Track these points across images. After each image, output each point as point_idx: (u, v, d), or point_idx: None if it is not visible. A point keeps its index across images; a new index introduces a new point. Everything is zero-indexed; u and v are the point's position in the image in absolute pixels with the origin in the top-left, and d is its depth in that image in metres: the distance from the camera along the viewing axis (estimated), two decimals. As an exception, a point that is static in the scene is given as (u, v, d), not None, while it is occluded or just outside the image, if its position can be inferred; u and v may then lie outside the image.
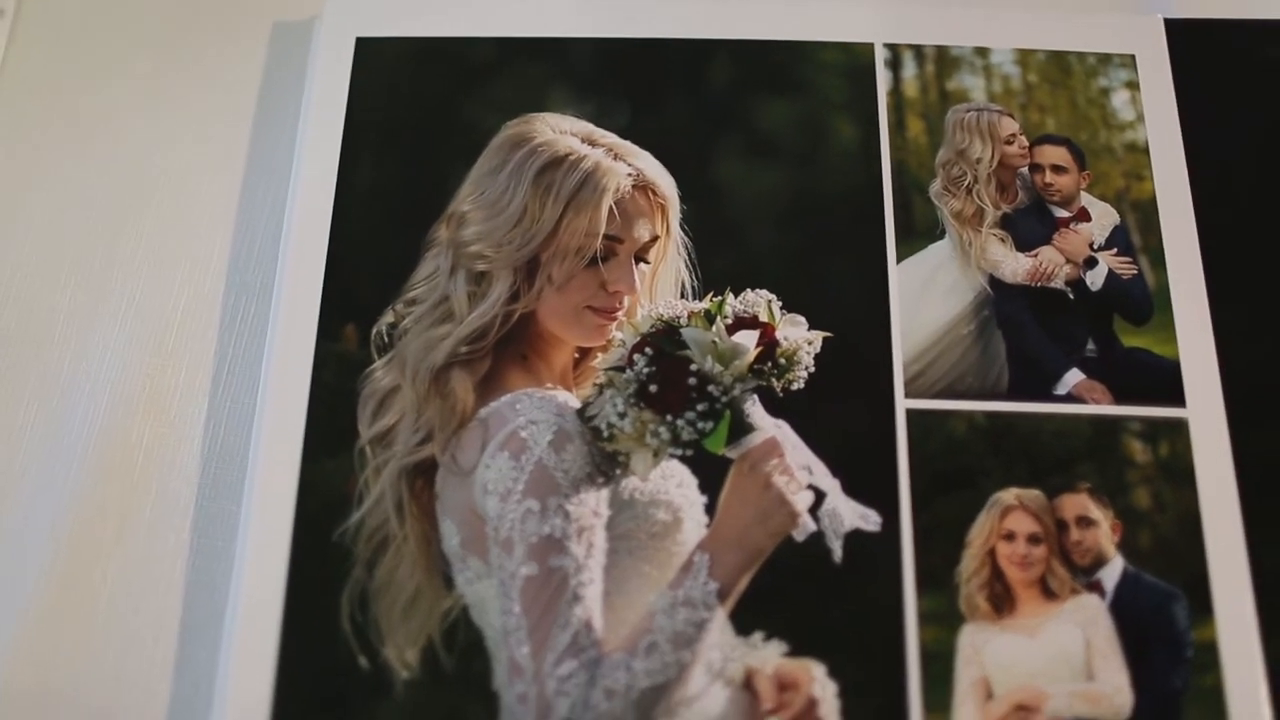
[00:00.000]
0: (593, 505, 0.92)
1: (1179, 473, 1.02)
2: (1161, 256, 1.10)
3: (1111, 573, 0.99)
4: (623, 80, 1.16)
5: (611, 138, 0.99)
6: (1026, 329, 1.08)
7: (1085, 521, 1.00)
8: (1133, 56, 1.18)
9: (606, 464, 0.93)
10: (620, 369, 0.91)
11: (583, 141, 0.97)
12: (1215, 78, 1.17)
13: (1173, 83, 1.17)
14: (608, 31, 1.18)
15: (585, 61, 1.18)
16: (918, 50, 1.19)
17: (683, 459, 0.94)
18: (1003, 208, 1.12)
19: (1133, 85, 1.17)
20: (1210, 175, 1.13)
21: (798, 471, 0.94)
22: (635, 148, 0.99)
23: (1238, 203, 1.13)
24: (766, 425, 0.92)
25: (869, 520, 0.96)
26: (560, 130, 0.98)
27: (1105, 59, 1.19)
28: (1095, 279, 1.10)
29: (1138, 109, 1.16)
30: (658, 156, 1.00)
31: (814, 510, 0.94)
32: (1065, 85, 1.18)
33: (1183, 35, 1.19)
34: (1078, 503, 1.01)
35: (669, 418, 0.89)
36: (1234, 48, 1.19)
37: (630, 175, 0.96)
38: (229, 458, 1.04)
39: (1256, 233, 1.12)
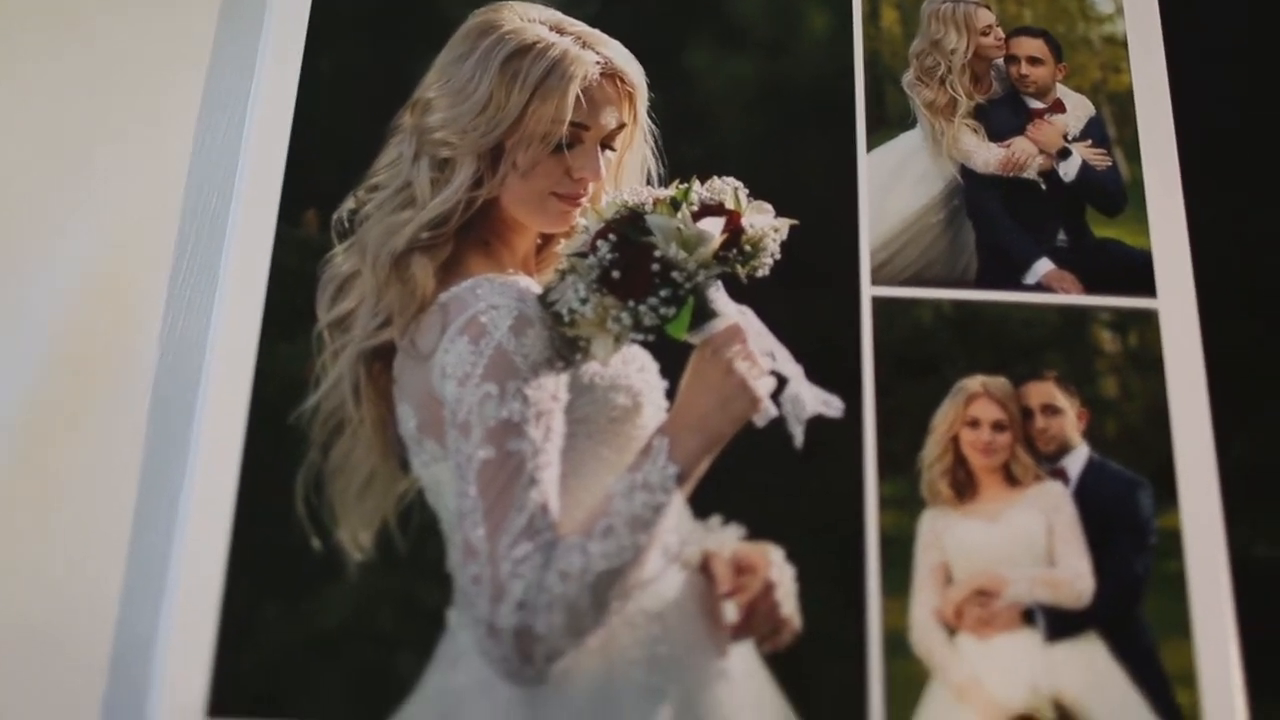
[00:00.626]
0: (552, 390, 0.91)
1: (1147, 362, 1.00)
2: (1136, 149, 1.08)
3: (1076, 460, 0.98)
4: None
5: (580, 26, 0.98)
6: (997, 218, 1.06)
7: (1051, 409, 0.99)
8: (1112, -48, 1.16)
9: (567, 349, 0.92)
10: (583, 255, 0.90)
11: (551, 29, 0.96)
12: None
13: (1155, -19, 1.15)
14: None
15: (556, -50, 1.15)
16: (894, -58, 1.17)
17: (644, 344, 0.94)
18: (976, 98, 1.11)
19: (1112, -22, 1.15)
20: (1189, 68, 1.11)
21: (760, 357, 0.93)
22: (604, 36, 0.98)
23: (1215, 96, 1.11)
24: (730, 311, 0.92)
25: (831, 406, 0.94)
26: (528, 18, 0.97)
27: (1085, -49, 1.17)
28: (1068, 170, 1.08)
29: (1117, 2, 1.14)
30: (627, 45, 0.98)
31: (776, 396, 0.93)
32: (1043, -22, 1.16)
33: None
34: (1044, 390, 0.99)
35: (631, 303, 0.89)
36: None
37: (598, 63, 0.95)
38: (187, 344, 1.02)
39: (1233, 126, 1.10)
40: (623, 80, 0.97)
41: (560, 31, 0.98)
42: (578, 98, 0.94)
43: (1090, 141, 1.09)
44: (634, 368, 0.95)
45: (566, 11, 1.01)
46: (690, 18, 1.12)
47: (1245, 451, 0.98)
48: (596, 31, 0.98)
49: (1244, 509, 0.96)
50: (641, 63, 0.98)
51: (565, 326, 0.92)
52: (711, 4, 1.13)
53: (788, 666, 0.92)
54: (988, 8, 1.13)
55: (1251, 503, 0.97)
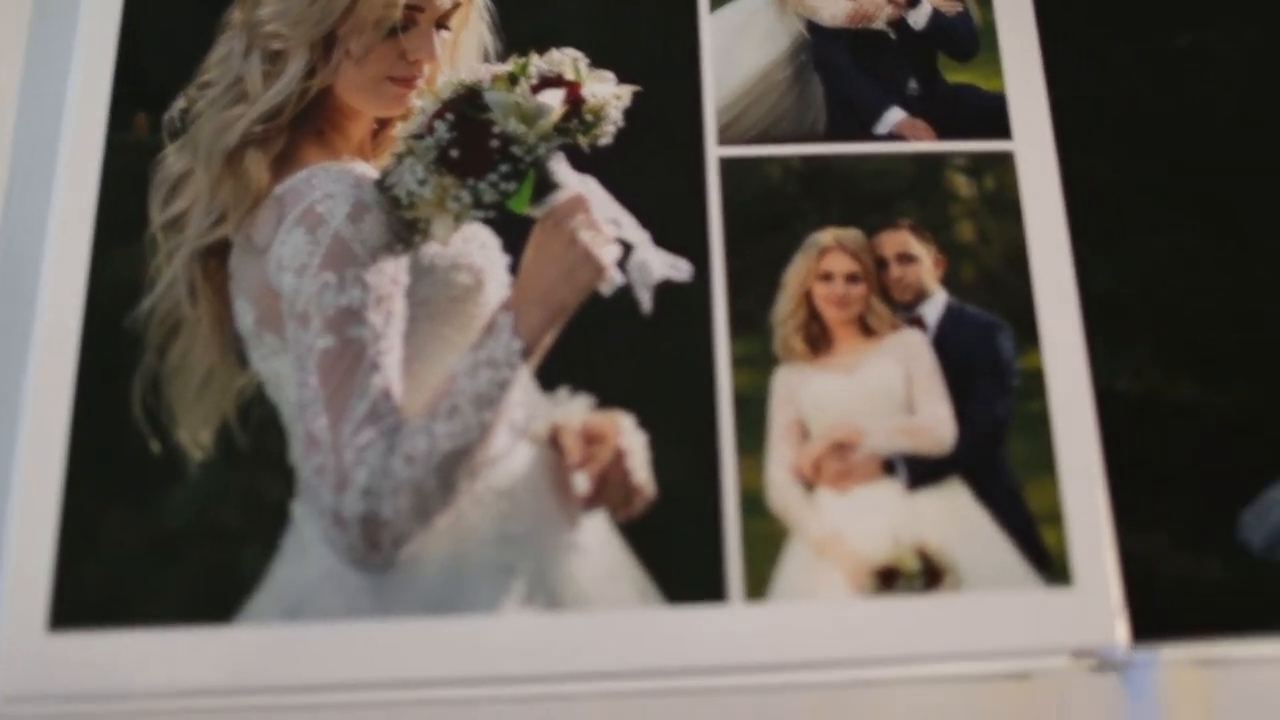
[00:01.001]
0: (391, 274, 0.89)
1: (1004, 205, 0.98)
2: (988, -8, 1.05)
3: (934, 307, 0.95)
4: None
5: None
6: (845, 71, 1.03)
7: (906, 258, 0.96)
8: None
9: (406, 232, 0.91)
10: (420, 136, 0.89)
11: None
12: None
13: None
14: None
15: None
16: None
17: (486, 221, 0.92)
18: (822, -48, 1.08)
19: None
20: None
21: (604, 225, 0.91)
22: None
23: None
24: (572, 182, 0.90)
25: (679, 269, 0.92)
26: None
27: None
28: (918, 18, 1.06)
29: None
30: None
31: (622, 264, 0.91)
32: None
33: None
34: (898, 239, 0.97)
35: (471, 181, 0.87)
36: None
37: None
38: (21, 258, 0.99)
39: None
40: None
41: (393, -84, 0.95)
42: None
43: (940, -13, 1.06)
44: (475, 245, 0.93)
45: None
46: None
47: (1106, 286, 0.96)
48: None
49: (1105, 344, 0.94)
50: None
51: (404, 209, 0.90)
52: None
53: (642, 534, 0.89)
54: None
55: (1113, 337, 0.94)
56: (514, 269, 0.92)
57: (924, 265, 0.96)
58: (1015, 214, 0.97)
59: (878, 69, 1.04)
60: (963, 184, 0.99)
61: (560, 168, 0.90)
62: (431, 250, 0.91)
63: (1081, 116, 1.01)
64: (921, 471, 0.91)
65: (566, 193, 0.90)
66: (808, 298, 0.95)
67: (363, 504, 0.85)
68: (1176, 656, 0.87)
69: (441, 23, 0.95)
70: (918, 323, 0.95)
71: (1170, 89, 1.04)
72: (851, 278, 0.95)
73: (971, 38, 1.05)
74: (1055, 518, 0.89)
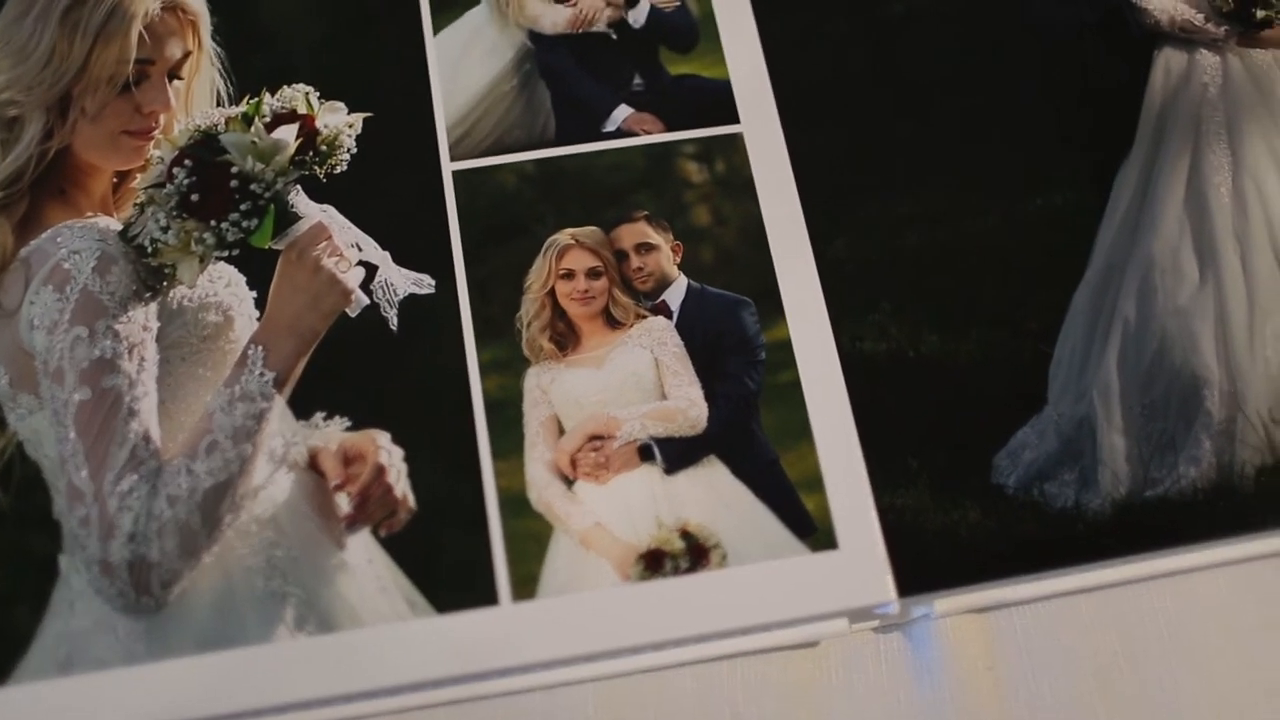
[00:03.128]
0: (141, 320, 0.89)
1: (737, 186, 1.00)
2: (704, -17, 1.08)
3: (676, 292, 0.97)
4: None
5: None
6: (568, 74, 1.05)
7: (644, 247, 0.98)
8: None
9: (153, 278, 0.91)
10: (160, 185, 0.89)
11: None
12: None
13: None
14: None
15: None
16: None
17: (230, 259, 0.92)
18: (539, -35, 1.10)
19: None
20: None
21: (346, 250, 0.92)
22: None
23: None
24: (312, 212, 0.91)
25: (422, 284, 0.93)
26: None
27: None
28: (637, 16, 1.08)
29: None
30: None
31: (367, 285, 0.91)
32: None
33: None
34: (635, 231, 0.98)
35: (214, 223, 0.88)
36: None
37: None
38: None
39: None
40: (184, 10, 0.95)
41: (118, -26, 0.95)
42: (141, 35, 0.93)
43: (657, -16, 1.08)
44: (221, 284, 0.94)
45: None
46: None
47: (841, 253, 0.98)
48: None
49: (846, 309, 0.96)
50: None
51: (149, 257, 0.90)
52: (268, -81, 1.11)
53: (408, 547, 0.89)
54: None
55: (853, 301, 0.97)
56: (261, 302, 0.92)
57: (663, 253, 0.98)
58: (749, 193, 1.00)
59: (602, 69, 1.06)
60: (694, 170, 1.01)
61: (300, 200, 0.91)
62: (179, 293, 0.92)
63: (803, 92, 1.03)
64: (678, 453, 0.92)
65: (307, 223, 0.91)
66: (551, 297, 0.96)
67: (129, 549, 0.85)
68: (950, 606, 0.89)
69: (174, 73, 0.95)
70: (662, 309, 0.96)
71: (885, 58, 1.07)
72: (592, 273, 0.97)
73: (691, 30, 1.07)
74: (815, 484, 0.91)
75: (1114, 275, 0.99)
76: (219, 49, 1.00)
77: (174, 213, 0.89)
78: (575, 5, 1.08)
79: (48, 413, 0.89)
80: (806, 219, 0.99)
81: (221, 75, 1.00)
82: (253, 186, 0.89)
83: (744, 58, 1.05)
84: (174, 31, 0.95)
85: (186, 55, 0.96)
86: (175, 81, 0.96)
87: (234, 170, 0.89)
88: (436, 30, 1.07)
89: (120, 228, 0.92)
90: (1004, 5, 1.09)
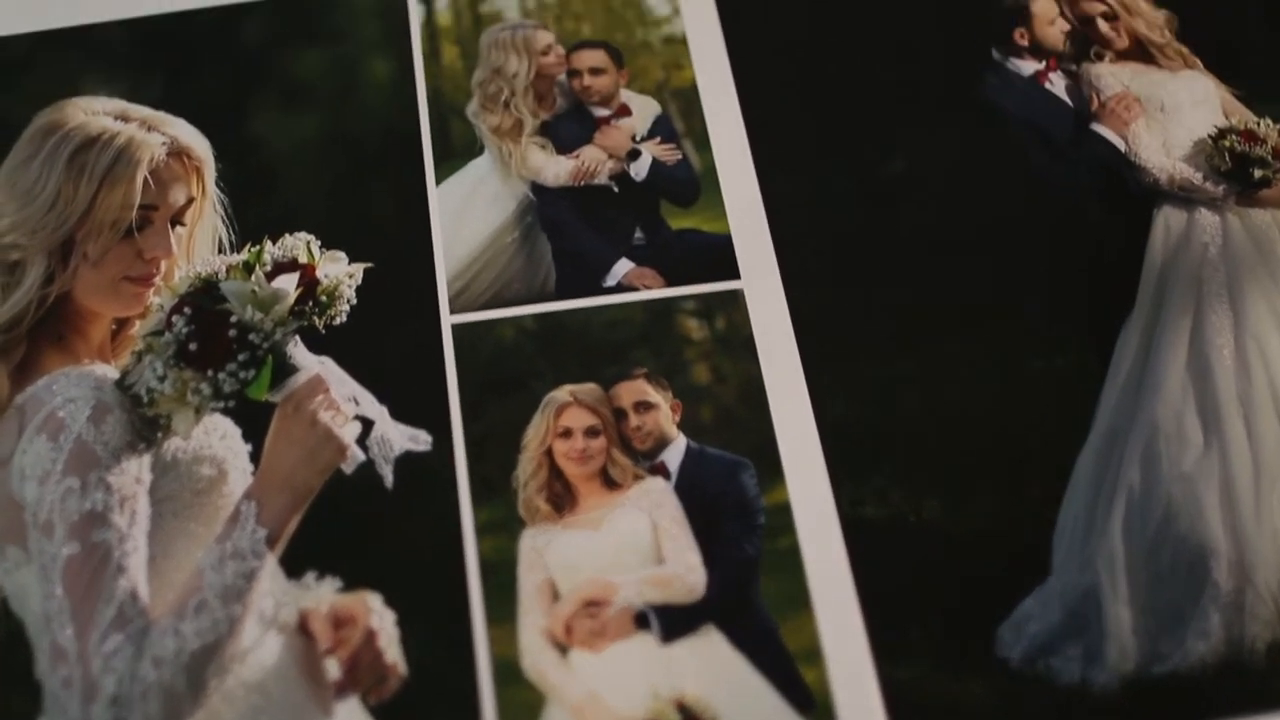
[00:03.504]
0: (135, 473, 0.87)
1: (737, 344, 0.99)
2: (706, 138, 1.09)
3: (674, 453, 0.95)
4: (156, 54, 1.14)
5: (145, 111, 0.96)
6: (569, 227, 1.05)
7: (643, 406, 0.97)
8: (665, -46, 1.17)
9: (148, 429, 0.89)
10: (159, 333, 0.87)
11: (115, 119, 0.94)
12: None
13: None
14: (139, 10, 1.14)
15: (116, 43, 1.16)
16: (450, -22, 1.17)
17: (226, 411, 0.90)
18: (541, 115, 1.10)
19: (667, -19, 1.17)
20: (748, 54, 1.12)
21: (343, 404, 0.90)
22: (169, 117, 0.96)
23: (776, 78, 1.12)
24: (310, 364, 0.89)
25: (419, 441, 0.92)
26: (92, 112, 0.94)
27: (637, -39, 1.18)
28: (639, 169, 1.08)
29: (674, 3, 1.15)
30: (193, 121, 0.96)
31: (363, 440, 0.89)
32: (599, -9, 1.16)
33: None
34: (634, 389, 0.97)
35: (211, 373, 0.86)
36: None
37: (164, 144, 0.93)
38: None
39: (795, 104, 1.11)
40: (189, 156, 0.95)
41: (125, 119, 0.95)
42: (146, 180, 0.92)
43: (659, 139, 1.09)
44: (216, 436, 0.92)
45: (130, 98, 0.98)
46: (252, 84, 1.11)
47: (842, 413, 0.97)
48: (161, 114, 0.96)
49: (846, 472, 0.95)
50: (208, 135, 0.96)
51: (145, 407, 0.88)
52: (275, 70, 1.12)
53: (397, 716, 0.86)
54: (546, 28, 1.13)
55: (854, 464, 0.95)
56: (256, 457, 0.90)
57: (662, 411, 0.96)
58: (749, 351, 0.99)
59: (603, 223, 1.05)
60: (694, 327, 1.00)
61: (297, 351, 0.89)
62: (173, 445, 0.90)
63: (804, 249, 1.03)
64: (675, 622, 0.90)
65: (304, 375, 0.89)
66: (549, 456, 0.95)
67: (111, 713, 0.83)
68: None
69: (177, 219, 0.94)
70: (660, 470, 0.95)
71: (887, 216, 1.07)
72: (591, 431, 0.95)
73: (692, 184, 1.07)
74: (815, 655, 0.89)
75: (1118, 440, 0.98)
76: (222, 195, 0.99)
77: (171, 362, 0.87)
78: (578, 157, 1.08)
79: (35, 567, 0.86)
80: (807, 378, 0.98)
81: (224, 222, 0.99)
82: (251, 336, 0.87)
83: (745, 213, 1.04)
84: (179, 177, 0.94)
85: (190, 201, 0.95)
86: (178, 228, 0.95)
87: (233, 319, 0.87)
88: (439, 180, 1.06)
89: (117, 376, 0.91)
90: (1005, 166, 1.09)
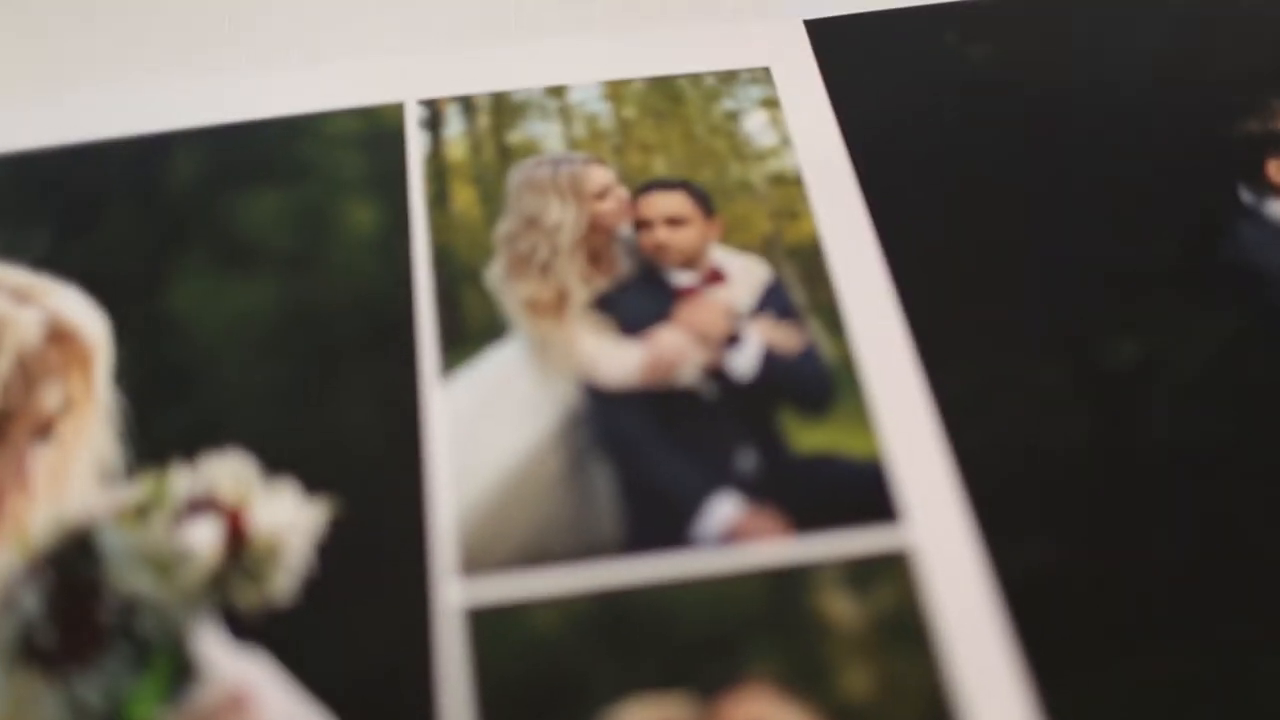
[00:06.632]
0: None
1: (907, 631, 0.62)
2: (838, 314, 0.73)
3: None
4: (43, 198, 0.86)
5: (18, 276, 0.79)
6: (644, 449, 0.70)
7: (768, 738, 0.60)
8: (766, 69, 0.85)
9: None
10: None
11: None
12: (873, 83, 0.84)
13: (826, 95, 0.83)
14: (20, 143, 0.82)
15: (-8, 181, 0.85)
16: (466, 101, 0.84)
17: (91, 733, 0.64)
18: (597, 284, 0.76)
19: (771, 103, 0.83)
20: (890, 194, 0.78)
21: (281, 736, 0.61)
22: (53, 284, 0.78)
23: (932, 227, 0.77)
24: (227, 669, 0.65)
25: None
26: None
27: (729, 76, 0.85)
28: (743, 362, 0.73)
29: (781, 131, 0.82)
30: (90, 287, 0.77)
31: (309, 799, 0.56)
32: (676, 115, 0.83)
33: (829, 38, 0.86)
34: (753, 708, 0.60)
35: (70, 674, 0.63)
36: (882, 47, 0.86)
37: (40, 323, 0.75)
38: None
39: (965, 264, 0.76)
40: (74, 341, 0.76)
41: (-11, 288, 0.77)
42: (13, 375, 0.74)
43: (771, 316, 0.73)
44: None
45: (5, 258, 0.79)
46: (178, 240, 0.78)
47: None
48: (42, 279, 0.78)
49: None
50: (108, 310, 0.76)
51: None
52: (209, 218, 0.79)
53: None
54: (602, 163, 0.79)
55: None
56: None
57: (797, 748, 0.59)
58: (926, 644, 0.62)
59: (693, 442, 0.70)
60: (842, 606, 0.64)
61: (210, 646, 0.65)
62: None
63: (998, 483, 0.66)
64: None
65: (218, 686, 0.64)
66: (616, 823, 0.58)
67: None
68: None
69: (45, 431, 0.73)
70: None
71: (1116, 425, 0.71)
72: (683, 784, 0.58)
73: (822, 380, 0.72)
74: None
75: None
76: (120, 398, 0.74)
77: (10, 655, 0.64)
78: (652, 344, 0.72)
79: None
80: (1026, 676, 0.61)
81: (119, 439, 0.73)
82: (139, 620, 0.64)
83: (905, 426, 0.69)
84: (55, 370, 0.75)
85: (67, 407, 0.74)
86: (45, 446, 0.73)
87: (112, 592, 0.64)
88: (445, 368, 0.73)
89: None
90: (1274, 351, 0.74)
